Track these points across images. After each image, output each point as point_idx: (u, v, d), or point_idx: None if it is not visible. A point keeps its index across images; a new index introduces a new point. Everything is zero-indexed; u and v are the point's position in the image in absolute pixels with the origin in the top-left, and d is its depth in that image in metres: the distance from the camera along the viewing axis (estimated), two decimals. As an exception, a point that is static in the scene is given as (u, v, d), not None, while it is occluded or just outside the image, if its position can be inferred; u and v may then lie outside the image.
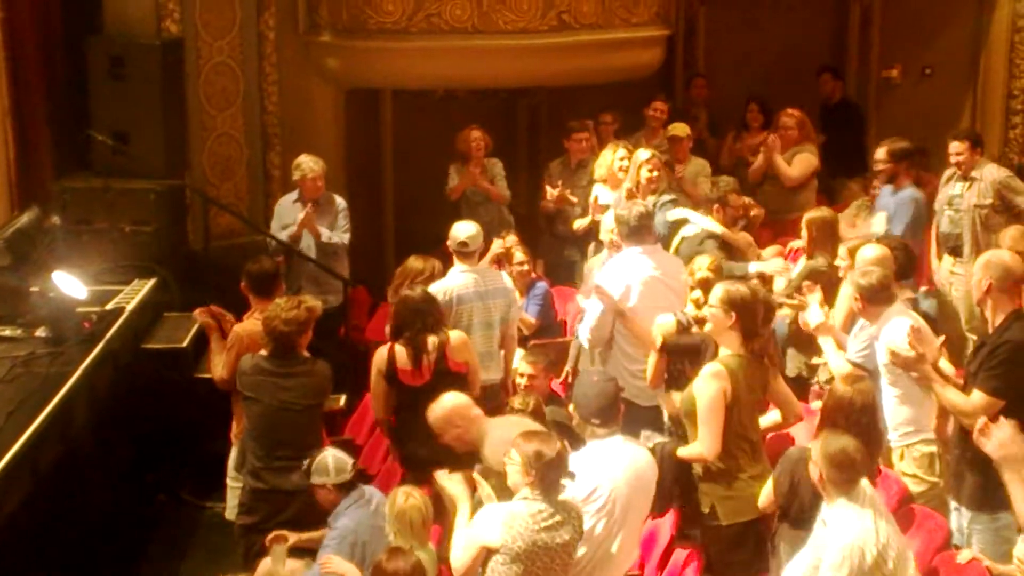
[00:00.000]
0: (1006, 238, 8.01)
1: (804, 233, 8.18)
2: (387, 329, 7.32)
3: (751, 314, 6.19)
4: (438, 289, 7.59)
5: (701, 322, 6.87)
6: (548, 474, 5.19)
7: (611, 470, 5.60)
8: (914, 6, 12.62)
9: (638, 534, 5.97)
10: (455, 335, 7.16)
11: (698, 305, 7.01)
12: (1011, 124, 12.20)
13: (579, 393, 5.83)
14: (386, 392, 7.12)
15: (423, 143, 11.32)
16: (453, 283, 7.68)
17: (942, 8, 12.63)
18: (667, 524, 6.33)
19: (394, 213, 11.56)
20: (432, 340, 7.02)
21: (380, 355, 7.13)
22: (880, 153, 9.11)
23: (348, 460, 6.19)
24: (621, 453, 5.70)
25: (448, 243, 7.84)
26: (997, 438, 5.33)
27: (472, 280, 7.68)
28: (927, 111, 12.08)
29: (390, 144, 11.46)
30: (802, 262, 8.22)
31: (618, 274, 7.40)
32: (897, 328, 6.40)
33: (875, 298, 6.58)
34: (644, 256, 7.43)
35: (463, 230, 7.77)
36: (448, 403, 6.28)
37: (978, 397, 5.91)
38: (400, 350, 7.03)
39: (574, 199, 9.63)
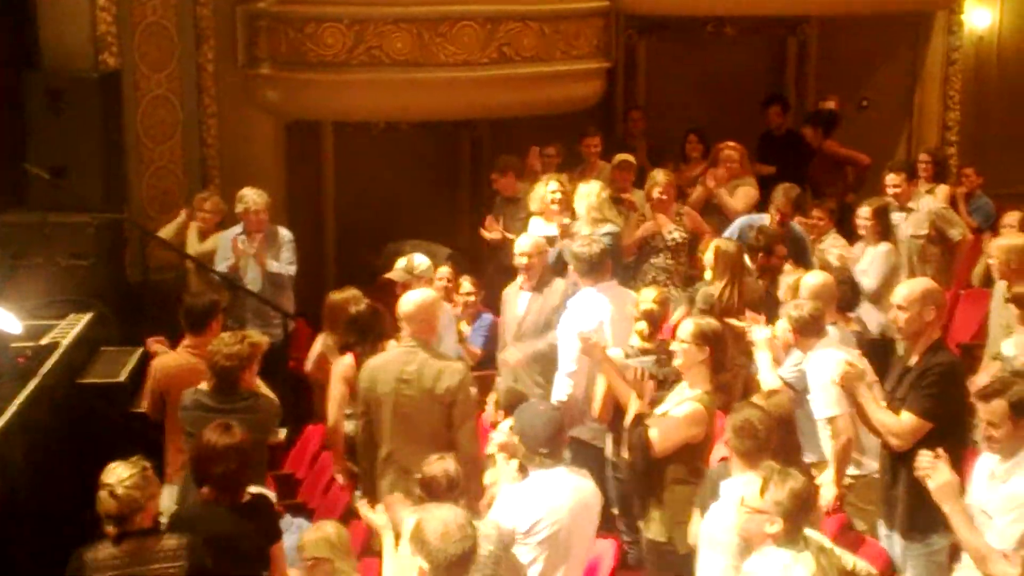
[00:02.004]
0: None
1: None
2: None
3: (723, 347, 6.26)
4: None
5: (647, 354, 6.90)
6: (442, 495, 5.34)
7: (554, 501, 5.58)
8: (850, 40, 12.78)
9: (582, 565, 5.94)
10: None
11: (643, 337, 7.04)
12: (947, 156, 12.35)
13: (526, 424, 5.78)
14: (344, 398, 7.22)
15: (365, 176, 11.31)
16: None
17: (878, 42, 12.81)
18: (609, 553, 6.31)
19: (335, 245, 11.52)
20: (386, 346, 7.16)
21: (345, 363, 7.28)
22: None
23: (269, 491, 6.14)
24: (565, 484, 5.68)
25: (402, 274, 7.80)
26: (938, 480, 5.33)
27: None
28: (864, 143, 12.20)
29: (331, 177, 11.43)
30: None
31: (588, 311, 7.41)
32: (823, 361, 6.46)
33: (806, 330, 6.66)
34: (601, 294, 7.50)
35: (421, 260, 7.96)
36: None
37: (908, 419, 5.93)
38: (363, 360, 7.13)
39: (511, 236, 9.60)
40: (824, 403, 6.44)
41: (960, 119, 12.91)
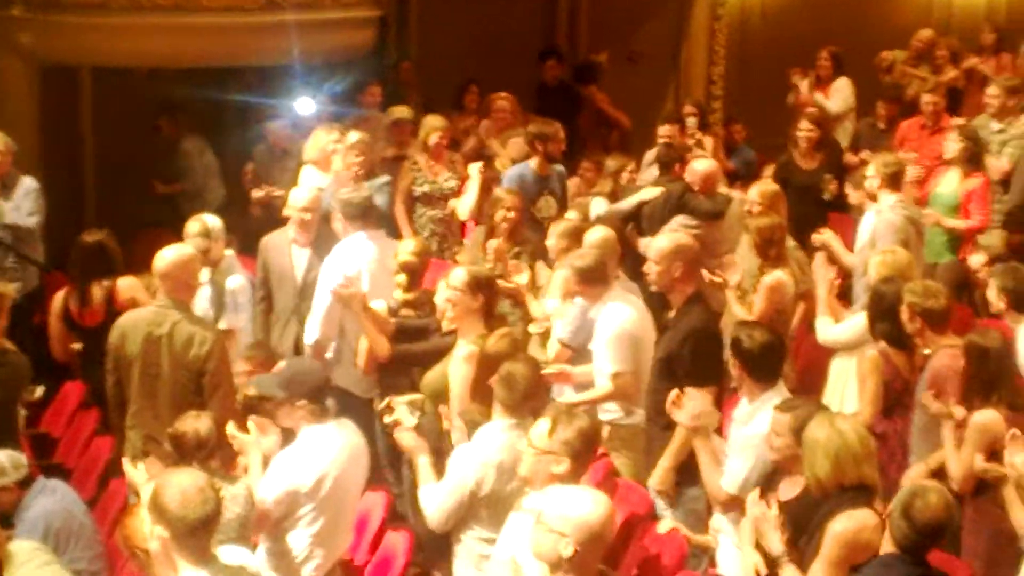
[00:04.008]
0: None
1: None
2: None
3: (495, 295, 6.26)
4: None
5: (409, 305, 6.84)
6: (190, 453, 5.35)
7: (330, 455, 5.52)
8: (621, -7, 12.96)
9: (352, 519, 5.90)
10: (126, 280, 7.29)
11: (404, 288, 6.97)
12: (711, 109, 12.65)
13: (290, 380, 5.72)
14: (62, 333, 7.51)
15: (127, 123, 10.90)
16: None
17: (647, -4, 13.02)
18: (380, 505, 6.28)
19: (96, 195, 11.10)
20: (101, 284, 7.27)
21: (56, 298, 7.56)
22: None
23: (20, 455, 5.88)
24: (337, 438, 5.62)
25: (200, 241, 7.46)
26: (689, 409, 5.51)
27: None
28: (633, 96, 12.39)
29: (89, 124, 11.00)
30: None
31: (347, 259, 7.33)
32: (612, 315, 6.54)
33: (591, 279, 6.69)
34: (370, 241, 7.43)
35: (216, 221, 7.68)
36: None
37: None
38: (71, 293, 7.36)
39: (279, 192, 9.39)
40: (609, 358, 6.51)
41: (724, 73, 13.22)
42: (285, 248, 7.85)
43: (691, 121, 10.74)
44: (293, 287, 7.77)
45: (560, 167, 9.26)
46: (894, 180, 8.12)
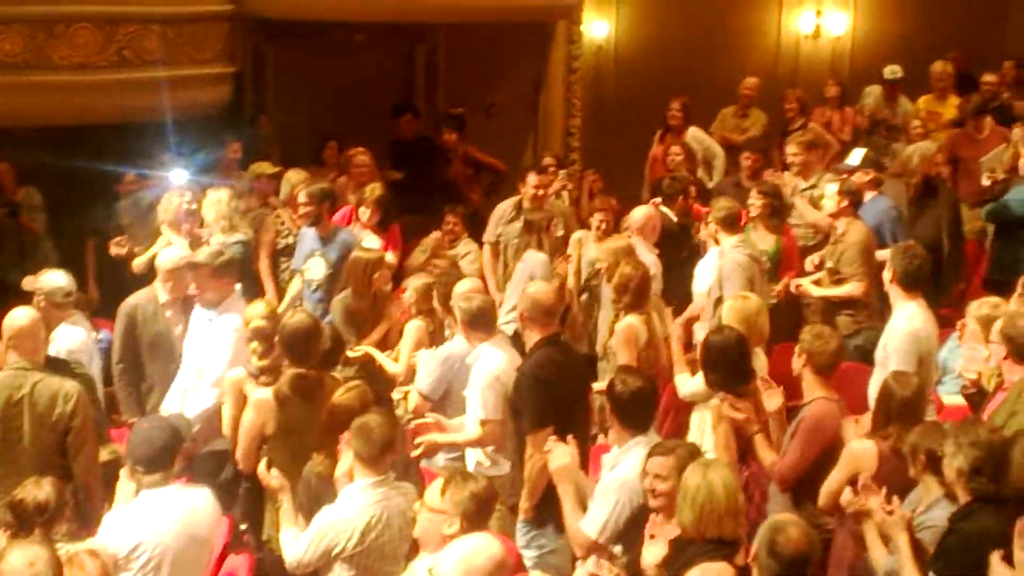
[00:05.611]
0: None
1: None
2: None
3: (299, 346, 6.31)
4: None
5: (267, 372, 6.70)
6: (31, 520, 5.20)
7: (159, 523, 5.42)
8: (477, 48, 13.04)
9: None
10: None
11: (259, 356, 6.75)
12: (570, 160, 12.82)
13: (129, 442, 5.67)
14: None
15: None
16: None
17: (504, 50, 13.12)
18: (244, 568, 6.18)
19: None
20: None
21: None
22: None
23: None
24: (174, 503, 5.53)
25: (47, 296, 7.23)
26: (556, 461, 5.56)
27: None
28: (491, 148, 12.49)
29: (-64, 186, 10.69)
30: None
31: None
32: (488, 361, 6.56)
33: (476, 323, 6.68)
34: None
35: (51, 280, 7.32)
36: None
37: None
38: None
39: (137, 249, 9.25)
40: (479, 404, 6.52)
41: (581, 125, 13.42)
42: (157, 311, 7.66)
43: (561, 173, 10.90)
44: (170, 353, 7.59)
45: (345, 234, 9.07)
46: (729, 222, 8.36)
